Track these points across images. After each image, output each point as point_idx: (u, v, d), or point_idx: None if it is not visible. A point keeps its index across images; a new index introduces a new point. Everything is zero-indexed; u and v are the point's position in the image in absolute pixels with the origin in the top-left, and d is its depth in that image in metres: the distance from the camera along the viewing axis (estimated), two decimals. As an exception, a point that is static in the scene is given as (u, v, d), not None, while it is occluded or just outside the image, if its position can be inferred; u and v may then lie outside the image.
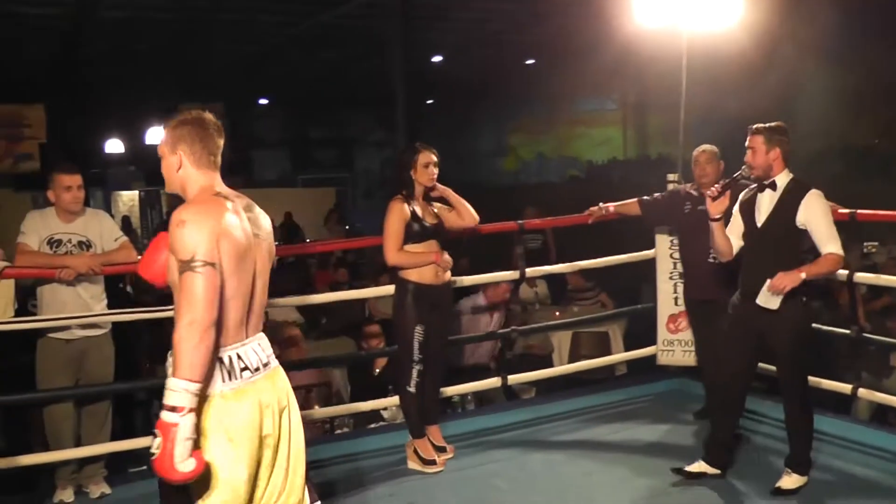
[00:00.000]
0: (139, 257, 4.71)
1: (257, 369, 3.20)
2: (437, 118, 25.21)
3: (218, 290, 3.01)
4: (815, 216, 4.85)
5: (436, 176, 5.60)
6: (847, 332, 6.18)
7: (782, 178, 4.95)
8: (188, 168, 3.25)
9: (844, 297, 6.93)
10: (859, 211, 5.86)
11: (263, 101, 27.57)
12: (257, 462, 3.16)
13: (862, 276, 6.06)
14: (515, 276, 6.63)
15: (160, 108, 20.58)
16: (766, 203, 4.97)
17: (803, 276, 4.78)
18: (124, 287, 9.67)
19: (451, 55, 21.63)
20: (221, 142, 3.31)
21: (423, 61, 20.06)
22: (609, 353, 8.56)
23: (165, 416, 2.94)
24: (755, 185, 5.06)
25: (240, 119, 26.26)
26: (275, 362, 3.33)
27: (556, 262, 8.15)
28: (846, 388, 6.11)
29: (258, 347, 3.25)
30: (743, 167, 4.99)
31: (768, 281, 4.80)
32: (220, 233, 3.05)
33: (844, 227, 5.95)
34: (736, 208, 5.13)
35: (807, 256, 5.03)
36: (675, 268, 6.85)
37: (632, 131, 23.42)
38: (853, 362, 6.40)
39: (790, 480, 5.08)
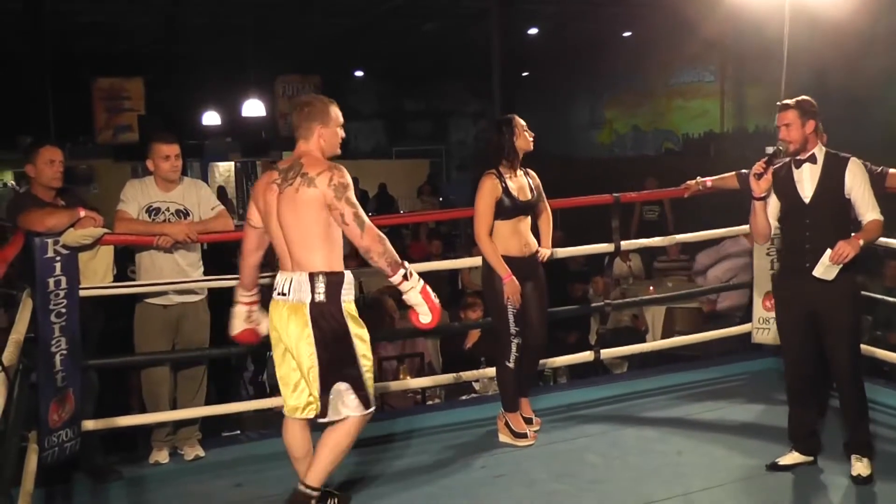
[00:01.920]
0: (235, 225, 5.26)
1: (279, 294, 4.32)
2: (533, 91, 25.03)
3: (248, 238, 4.54)
4: (858, 184, 4.78)
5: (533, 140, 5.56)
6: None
7: (820, 151, 4.86)
8: None
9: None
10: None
11: (359, 74, 27.67)
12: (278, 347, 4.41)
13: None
14: (610, 249, 6.55)
15: (257, 80, 20.81)
16: (807, 178, 4.85)
17: (861, 242, 4.69)
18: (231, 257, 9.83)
19: (547, 27, 21.44)
20: (296, 117, 4.40)
21: (519, 33, 19.90)
22: (703, 329, 8.43)
23: None
24: (785, 161, 4.94)
25: (336, 91, 26.38)
26: (290, 298, 4.26)
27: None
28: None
29: (284, 280, 4.30)
30: (779, 143, 4.86)
31: (828, 251, 4.67)
32: (253, 200, 4.47)
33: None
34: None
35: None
36: (772, 244, 6.70)
37: (729, 104, 22.90)
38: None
39: (864, 465, 4.90)
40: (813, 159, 4.85)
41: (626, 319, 8.82)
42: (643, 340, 8.40)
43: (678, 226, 10.31)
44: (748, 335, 6.96)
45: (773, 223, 5.00)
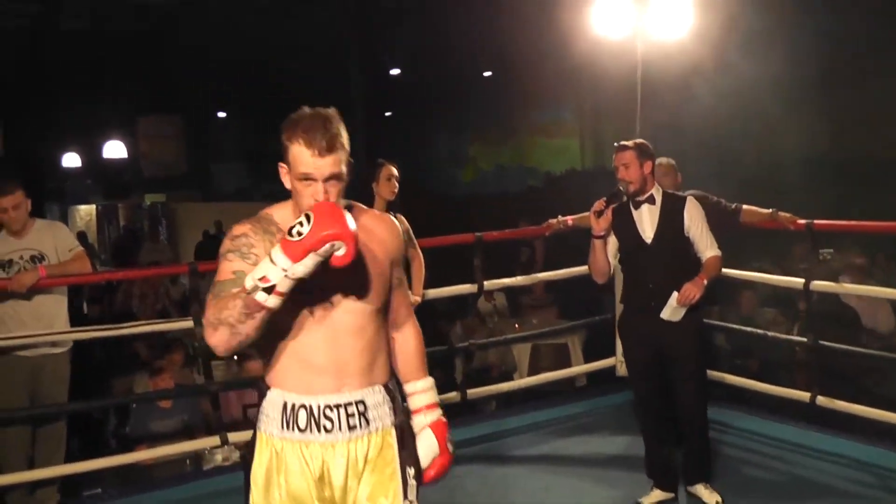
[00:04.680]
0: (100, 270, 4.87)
1: None
2: (397, 130, 25.18)
3: None
4: (696, 223, 4.92)
5: (397, 189, 5.63)
6: (804, 339, 6.22)
7: (658, 192, 4.97)
8: None
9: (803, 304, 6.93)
10: (816, 221, 5.88)
11: (222, 115, 27.40)
12: None
13: (819, 285, 6.01)
14: (473, 290, 6.60)
15: (118, 121, 20.42)
16: (647, 218, 4.94)
17: (705, 282, 4.82)
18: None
19: (410, 67, 21.65)
20: None
21: (382, 73, 20.06)
22: (569, 364, 8.56)
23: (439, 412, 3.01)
24: (624, 202, 4.99)
25: (198, 132, 26.13)
26: None
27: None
28: (805, 395, 6.07)
29: None
30: (619, 183, 4.92)
31: (675, 294, 4.80)
32: None
33: (801, 237, 6.00)
34: None
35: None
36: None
37: (590, 142, 23.48)
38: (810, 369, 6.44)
39: (710, 492, 5.08)
40: (652, 200, 4.93)
41: (493, 359, 8.87)
42: (510, 378, 8.46)
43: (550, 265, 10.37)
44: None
45: (613, 262, 5.08)
